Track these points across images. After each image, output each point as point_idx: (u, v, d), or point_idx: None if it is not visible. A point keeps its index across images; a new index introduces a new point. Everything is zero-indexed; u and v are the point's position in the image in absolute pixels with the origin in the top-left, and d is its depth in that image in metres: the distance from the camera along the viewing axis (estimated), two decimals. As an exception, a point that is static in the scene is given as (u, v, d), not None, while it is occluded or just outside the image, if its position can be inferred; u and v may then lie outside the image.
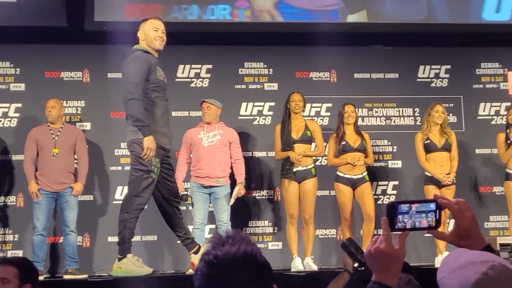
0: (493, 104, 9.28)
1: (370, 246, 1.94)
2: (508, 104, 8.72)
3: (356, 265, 2.67)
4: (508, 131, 7.99)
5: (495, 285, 1.76)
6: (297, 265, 7.61)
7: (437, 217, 1.94)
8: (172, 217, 6.32)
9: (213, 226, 8.07)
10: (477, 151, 9.17)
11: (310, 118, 8.70)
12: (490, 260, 1.79)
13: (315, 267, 7.58)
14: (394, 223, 1.92)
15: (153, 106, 6.08)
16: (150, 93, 6.08)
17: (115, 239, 6.28)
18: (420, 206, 1.93)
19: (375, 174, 8.85)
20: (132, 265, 6.05)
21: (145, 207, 6.20)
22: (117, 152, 8.61)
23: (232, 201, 7.66)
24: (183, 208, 8.22)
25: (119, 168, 8.55)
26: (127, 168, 6.80)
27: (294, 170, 7.73)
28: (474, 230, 1.96)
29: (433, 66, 9.30)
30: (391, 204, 1.94)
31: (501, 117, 9.13)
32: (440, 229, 1.97)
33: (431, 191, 7.86)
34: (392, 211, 1.92)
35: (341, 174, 7.89)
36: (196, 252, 6.32)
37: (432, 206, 1.94)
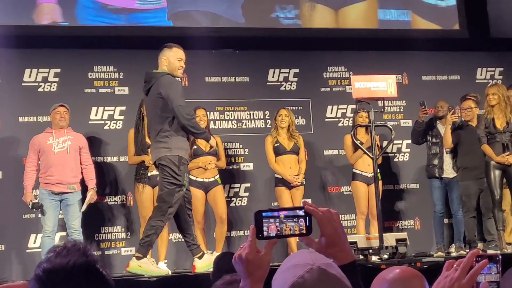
0: (340, 106, 9.57)
1: (236, 252, 1.96)
2: (354, 106, 9.04)
3: None
4: (352, 132, 8.26)
5: None
6: (151, 270, 7.57)
7: (308, 224, 1.93)
8: (184, 222, 6.74)
9: (63, 233, 7.88)
10: (325, 152, 9.44)
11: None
12: (310, 263, 1.78)
13: (168, 271, 7.55)
14: (261, 231, 1.92)
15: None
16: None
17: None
18: (288, 213, 1.92)
19: (228, 177, 8.94)
20: (151, 265, 6.59)
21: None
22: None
23: (84, 207, 7.53)
24: (32, 216, 8.01)
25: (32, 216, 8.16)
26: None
27: (149, 174, 7.71)
28: (341, 240, 1.95)
29: (282, 70, 9.49)
30: (258, 212, 1.92)
31: (347, 119, 9.44)
32: None
33: (282, 192, 8.06)
34: (259, 219, 1.92)
35: (194, 178, 7.91)
36: (200, 257, 6.70)
37: (301, 212, 1.92)
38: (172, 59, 6.65)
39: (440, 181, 8.57)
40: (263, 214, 1.92)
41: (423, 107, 8.38)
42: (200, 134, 6.77)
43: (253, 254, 1.93)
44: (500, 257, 2.02)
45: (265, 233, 1.91)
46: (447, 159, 8.53)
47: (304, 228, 1.92)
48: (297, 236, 1.94)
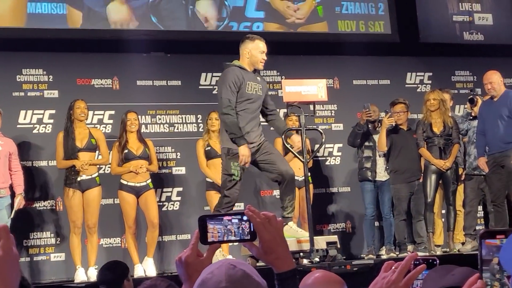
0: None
1: (178, 255, 1.97)
2: (285, 110, 9.05)
3: None
4: (283, 136, 8.26)
5: None
6: (80, 276, 7.48)
7: (252, 229, 1.92)
8: None
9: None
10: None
11: (93, 126, 8.56)
12: (220, 280, 1.78)
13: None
14: (205, 236, 1.91)
15: (239, 118, 6.61)
16: (237, 106, 6.61)
17: None
18: (233, 219, 1.92)
19: (160, 181, 8.88)
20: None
21: (235, 203, 6.84)
22: None
23: (13, 214, 7.39)
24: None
25: None
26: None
27: (79, 179, 7.61)
28: (280, 247, 1.93)
29: (214, 74, 9.46)
30: (202, 218, 1.92)
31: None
32: None
33: (212, 196, 8.04)
34: (203, 224, 1.91)
35: (125, 182, 7.84)
36: None
37: (245, 217, 1.92)
38: (255, 52, 6.73)
39: (373, 184, 8.69)
40: (207, 219, 1.92)
41: (367, 110, 8.46)
42: (229, 133, 6.64)
43: (193, 257, 1.94)
44: (437, 261, 2.04)
45: (209, 238, 1.91)
46: (380, 162, 8.65)
47: (248, 234, 1.92)
48: (241, 242, 1.94)
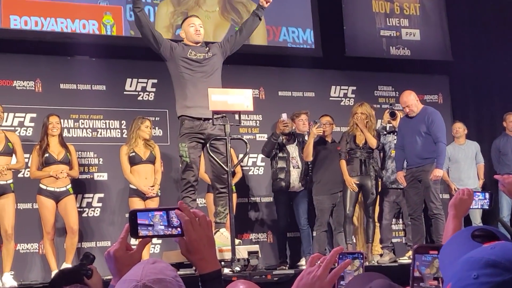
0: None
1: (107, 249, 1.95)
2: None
3: None
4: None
5: None
6: (-5, 281, 7.29)
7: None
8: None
9: None
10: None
11: (13, 128, 8.38)
12: (136, 280, 1.74)
13: (15, 283, 7.30)
14: (136, 230, 1.88)
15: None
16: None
17: None
18: (163, 214, 1.89)
19: (81, 187, 8.74)
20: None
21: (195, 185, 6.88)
22: None
23: None
24: None
25: None
26: None
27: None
28: (204, 248, 1.89)
29: (140, 80, 9.40)
30: (133, 212, 1.90)
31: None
32: None
33: (136, 203, 7.98)
34: (134, 219, 1.89)
35: (44, 187, 7.69)
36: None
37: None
38: (186, 28, 7.06)
39: (286, 195, 8.74)
40: (138, 213, 1.90)
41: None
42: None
43: (121, 251, 1.92)
44: (363, 254, 2.06)
45: (139, 232, 1.89)
46: (294, 173, 8.71)
47: (180, 229, 1.89)
48: (172, 237, 1.91)
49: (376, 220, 8.75)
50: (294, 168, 8.71)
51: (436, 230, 7.98)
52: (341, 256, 1.98)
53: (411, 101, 8.13)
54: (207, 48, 7.02)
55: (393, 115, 8.77)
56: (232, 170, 7.15)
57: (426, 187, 7.96)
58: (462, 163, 9.70)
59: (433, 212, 7.94)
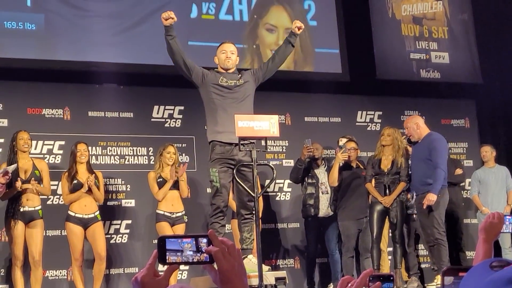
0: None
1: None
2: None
3: None
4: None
5: None
6: (24, 309, 7.32)
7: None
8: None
9: None
10: (208, 190, 9.40)
11: (42, 156, 8.46)
12: None
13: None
14: (164, 256, 1.88)
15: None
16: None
17: None
18: (192, 241, 1.89)
19: (109, 213, 8.78)
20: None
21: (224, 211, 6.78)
22: None
23: None
24: None
25: None
26: None
27: (22, 210, 7.47)
28: (237, 277, 1.86)
29: (167, 107, 9.47)
30: (161, 238, 1.89)
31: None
32: None
33: (164, 227, 8.00)
34: (162, 245, 1.88)
35: (73, 214, 7.74)
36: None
37: (205, 241, 1.87)
38: (218, 55, 7.05)
39: (316, 221, 8.73)
40: (166, 239, 1.89)
41: (308, 145, 8.52)
42: None
43: (149, 277, 1.90)
44: (393, 276, 2.05)
45: (168, 258, 1.89)
46: (323, 199, 8.71)
47: (208, 256, 1.87)
48: (200, 264, 1.90)
49: (403, 245, 8.68)
50: (323, 193, 8.71)
51: (438, 257, 7.89)
52: (371, 278, 1.97)
53: (410, 125, 8.16)
54: (239, 75, 7.04)
55: (410, 141, 8.73)
56: (258, 196, 7.15)
57: (429, 212, 7.90)
58: (493, 186, 9.58)
59: (435, 237, 7.86)
